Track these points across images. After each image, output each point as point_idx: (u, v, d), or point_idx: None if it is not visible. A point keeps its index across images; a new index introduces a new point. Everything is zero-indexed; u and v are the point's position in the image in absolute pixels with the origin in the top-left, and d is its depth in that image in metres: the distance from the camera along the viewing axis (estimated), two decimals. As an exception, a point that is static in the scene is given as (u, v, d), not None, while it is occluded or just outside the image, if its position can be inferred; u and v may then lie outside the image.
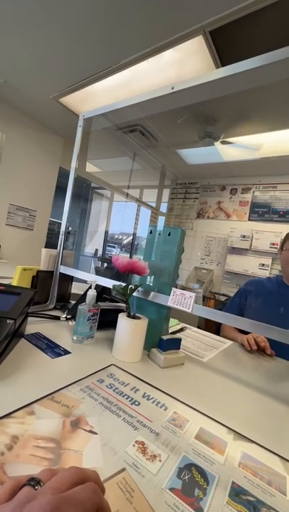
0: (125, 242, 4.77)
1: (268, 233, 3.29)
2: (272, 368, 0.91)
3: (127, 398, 0.52)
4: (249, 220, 3.53)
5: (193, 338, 1.06)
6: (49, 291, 1.05)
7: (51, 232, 3.72)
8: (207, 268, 3.77)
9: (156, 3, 1.39)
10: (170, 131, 2.71)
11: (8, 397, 0.46)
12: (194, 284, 3.63)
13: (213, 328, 1.43)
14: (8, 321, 0.58)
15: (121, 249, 4.75)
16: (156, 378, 0.63)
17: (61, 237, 1.11)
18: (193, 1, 1.35)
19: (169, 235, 0.80)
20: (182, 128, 2.56)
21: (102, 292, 0.98)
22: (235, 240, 3.49)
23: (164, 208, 4.23)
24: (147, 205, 4.12)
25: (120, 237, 4.87)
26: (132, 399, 0.52)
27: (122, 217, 4.67)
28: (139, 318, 0.74)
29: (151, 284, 0.83)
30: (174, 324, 1.18)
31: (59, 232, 1.14)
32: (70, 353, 0.68)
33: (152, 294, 0.80)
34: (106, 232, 4.73)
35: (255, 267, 3.35)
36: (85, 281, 0.99)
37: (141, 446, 0.40)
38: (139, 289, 0.81)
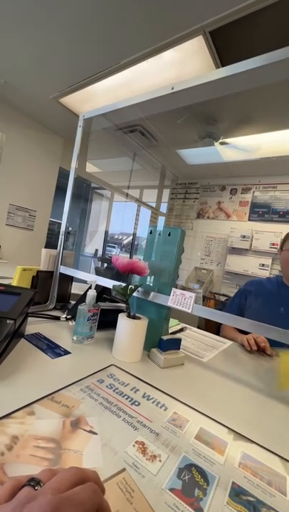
0: (125, 242, 4.77)
1: (268, 233, 3.29)
2: (272, 368, 0.90)
3: (127, 398, 0.52)
4: (249, 220, 3.53)
5: (193, 339, 1.06)
6: (49, 291, 1.05)
7: (51, 233, 3.72)
8: (207, 268, 3.77)
9: (156, 3, 1.39)
10: (170, 132, 2.71)
11: (8, 397, 0.46)
12: (194, 284, 3.63)
13: (213, 328, 1.43)
14: (8, 321, 0.58)
15: (121, 250, 4.75)
16: (156, 378, 0.63)
17: (61, 237, 1.11)
18: (193, 1, 1.35)
19: (169, 235, 0.80)
20: (182, 128, 2.56)
21: (102, 292, 0.98)
22: (235, 240, 3.49)
23: (164, 208, 4.23)
24: (147, 205, 4.12)
25: (120, 238, 4.87)
26: (132, 399, 0.52)
27: (122, 218, 4.67)
28: (139, 318, 0.74)
29: (151, 284, 0.83)
30: (174, 324, 1.18)
31: (59, 232, 1.14)
32: (70, 353, 0.68)
33: (152, 294, 0.80)
34: (106, 233, 4.73)
35: (255, 267, 3.35)
36: (85, 282, 0.99)
37: (141, 446, 0.40)
38: (139, 289, 0.81)
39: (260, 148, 2.64)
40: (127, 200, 4.30)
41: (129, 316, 0.74)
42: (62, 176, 3.46)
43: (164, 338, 0.75)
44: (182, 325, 1.21)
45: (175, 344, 0.77)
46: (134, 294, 0.79)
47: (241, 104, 2.07)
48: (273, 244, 3.22)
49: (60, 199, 1.82)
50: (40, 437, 0.38)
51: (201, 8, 1.38)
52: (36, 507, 0.20)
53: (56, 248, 1.09)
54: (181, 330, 1.14)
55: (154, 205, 4.12)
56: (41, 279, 1.02)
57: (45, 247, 1.08)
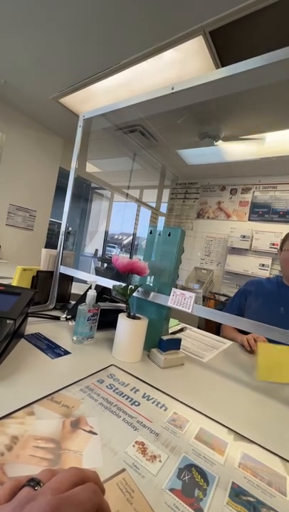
0: (125, 242, 4.77)
1: (268, 233, 3.29)
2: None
3: (126, 398, 0.52)
4: (249, 220, 3.53)
5: (193, 339, 1.06)
6: (49, 291, 1.05)
7: (51, 233, 3.72)
8: (207, 268, 3.77)
9: (156, 3, 1.39)
10: (170, 132, 2.71)
11: (8, 397, 0.46)
12: (194, 285, 3.63)
13: (214, 328, 1.43)
14: (8, 321, 0.58)
15: (121, 250, 4.75)
16: (156, 379, 0.63)
17: (61, 238, 1.11)
18: (193, 1, 1.35)
19: (169, 235, 0.80)
20: (182, 128, 2.56)
21: (102, 292, 0.98)
22: (235, 240, 3.49)
23: (164, 208, 4.23)
24: (147, 205, 4.12)
25: (120, 238, 4.87)
26: (132, 399, 0.52)
27: (122, 218, 4.67)
28: (139, 318, 0.74)
29: (151, 285, 0.83)
30: (174, 324, 1.18)
31: (59, 232, 1.14)
32: (70, 353, 0.68)
33: (152, 294, 0.80)
34: (106, 233, 4.73)
35: (255, 267, 3.35)
36: (85, 282, 0.99)
37: (141, 446, 0.40)
38: (139, 289, 0.81)
39: (265, 141, 2.61)
40: (127, 200, 4.31)
41: (129, 316, 0.74)
42: (62, 175, 3.47)
43: (164, 338, 0.75)
44: (182, 325, 1.21)
45: (175, 344, 0.77)
46: (134, 294, 0.79)
47: (241, 104, 2.07)
48: (273, 244, 3.22)
49: (60, 199, 1.83)
50: (40, 437, 0.38)
51: (201, 8, 1.38)
52: (36, 507, 0.20)
53: (56, 248, 1.09)
54: (181, 330, 1.14)
55: (154, 205, 4.12)
56: (41, 279, 1.02)
57: (45, 247, 1.08)
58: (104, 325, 0.84)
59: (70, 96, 2.43)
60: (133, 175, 3.81)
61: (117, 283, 0.81)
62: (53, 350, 0.68)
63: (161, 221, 4.21)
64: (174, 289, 0.76)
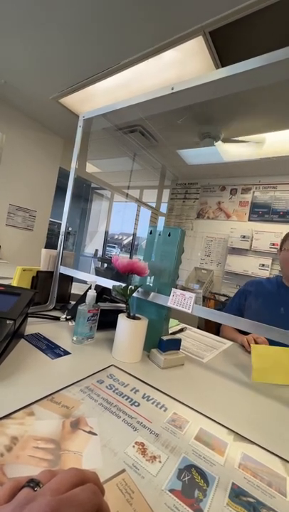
0: (125, 242, 4.77)
1: (268, 233, 3.29)
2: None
3: (126, 399, 0.52)
4: (249, 220, 3.53)
5: (193, 339, 1.06)
6: (49, 291, 1.05)
7: (51, 233, 3.72)
8: (207, 268, 3.77)
9: (156, 3, 1.39)
10: (170, 132, 2.71)
11: (8, 397, 0.46)
12: (194, 285, 3.63)
13: (213, 328, 1.43)
14: (7, 322, 0.58)
15: (121, 250, 4.75)
16: (156, 379, 0.63)
17: (61, 238, 1.11)
18: (193, 1, 1.35)
19: (169, 235, 0.80)
20: (182, 128, 2.56)
21: (102, 293, 0.98)
22: (235, 240, 3.49)
23: (164, 208, 4.23)
24: (147, 205, 4.12)
25: (120, 238, 4.87)
26: (132, 400, 0.52)
27: (122, 218, 4.67)
28: (139, 318, 0.74)
29: (151, 285, 0.83)
30: (174, 325, 1.18)
31: (59, 232, 1.14)
32: (69, 353, 0.68)
33: (152, 294, 0.80)
34: (106, 233, 4.73)
35: (256, 267, 3.35)
36: (84, 282, 0.99)
37: (141, 447, 0.40)
38: (139, 289, 0.81)
39: (265, 141, 2.61)
40: (127, 200, 4.31)
41: (129, 316, 0.74)
42: (62, 176, 3.47)
43: (164, 338, 0.75)
44: (182, 325, 1.21)
45: (175, 344, 0.77)
46: (134, 294, 0.79)
47: (241, 105, 2.07)
48: (273, 244, 3.22)
49: (60, 199, 1.83)
50: (39, 438, 0.38)
51: (201, 8, 1.38)
52: (36, 508, 0.20)
53: (56, 248, 1.09)
54: (181, 330, 1.14)
55: (154, 205, 4.12)
56: (41, 280, 1.02)
57: (45, 248, 1.08)
58: (104, 325, 0.84)
59: (70, 96, 2.43)
60: (133, 175, 3.81)
61: (117, 283, 0.81)
62: (53, 350, 0.68)
63: (161, 221, 4.21)
64: (173, 290, 0.76)
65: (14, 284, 0.95)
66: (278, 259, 1.33)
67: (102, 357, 0.70)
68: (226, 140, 2.59)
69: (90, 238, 4.82)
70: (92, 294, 0.78)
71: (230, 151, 2.89)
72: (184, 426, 0.48)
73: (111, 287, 0.84)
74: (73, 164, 1.13)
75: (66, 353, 0.68)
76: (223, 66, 1.21)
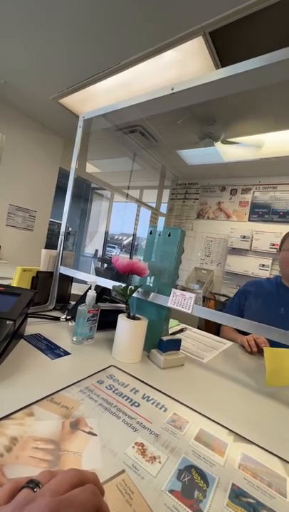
0: (125, 242, 4.77)
1: (268, 234, 3.30)
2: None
3: (126, 399, 0.52)
4: (249, 220, 3.53)
5: (193, 339, 1.06)
6: (49, 291, 1.05)
7: (51, 233, 3.72)
8: (207, 269, 3.77)
9: (156, 3, 1.39)
10: (170, 132, 2.72)
11: (8, 398, 0.46)
12: (194, 285, 3.63)
13: (213, 328, 1.43)
14: (7, 322, 0.58)
15: (121, 250, 4.75)
16: (156, 379, 0.63)
17: (61, 238, 1.11)
18: (193, 1, 1.35)
19: (169, 235, 0.80)
20: (182, 128, 2.56)
21: (102, 293, 0.98)
22: (235, 240, 3.49)
23: (164, 208, 4.23)
24: (147, 205, 4.12)
25: (120, 238, 4.87)
26: (132, 400, 0.52)
27: (122, 218, 4.67)
28: (138, 319, 0.74)
29: (151, 285, 0.83)
30: (173, 325, 1.18)
31: (59, 232, 1.14)
32: (69, 353, 0.68)
33: (152, 294, 0.80)
34: (106, 233, 4.73)
35: (256, 267, 3.35)
36: (84, 282, 0.99)
37: (140, 447, 0.40)
38: (139, 289, 0.81)
39: (264, 144, 2.62)
40: (127, 200, 4.31)
41: (129, 316, 0.74)
42: (62, 176, 3.47)
43: (164, 338, 0.75)
44: (182, 325, 1.21)
45: (175, 345, 0.77)
46: (134, 294, 0.79)
47: (241, 105, 2.07)
48: (273, 244, 3.22)
49: (60, 199, 1.82)
50: (39, 439, 0.38)
51: (201, 8, 1.38)
52: (35, 509, 0.20)
53: (56, 249, 1.09)
54: (181, 330, 1.14)
55: (154, 205, 4.12)
56: (41, 280, 1.02)
57: (45, 248, 1.08)
58: (104, 325, 0.84)
59: (70, 96, 2.43)
60: (133, 175, 3.81)
61: (117, 283, 0.81)
62: (53, 350, 0.68)
63: (161, 221, 4.21)
64: (173, 290, 0.76)
65: (14, 284, 0.95)
66: (278, 259, 1.33)
67: (102, 357, 0.70)
68: (225, 142, 2.59)
69: (90, 238, 4.82)
70: (92, 294, 0.78)
71: (230, 152, 2.89)
72: (184, 426, 0.48)
73: (111, 287, 0.84)
74: (73, 164, 1.13)
75: (66, 353, 0.68)
76: (223, 66, 1.22)
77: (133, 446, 0.40)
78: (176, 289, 0.76)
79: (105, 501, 0.24)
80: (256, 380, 0.77)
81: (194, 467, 0.39)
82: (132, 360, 0.71)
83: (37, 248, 2.87)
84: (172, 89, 0.85)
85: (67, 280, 1.11)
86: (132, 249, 4.27)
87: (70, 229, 4.62)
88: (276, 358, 0.73)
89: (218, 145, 2.68)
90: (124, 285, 0.76)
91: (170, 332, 0.87)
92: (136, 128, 2.67)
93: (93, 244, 4.80)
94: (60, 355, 0.66)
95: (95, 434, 0.41)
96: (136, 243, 4.13)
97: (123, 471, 0.35)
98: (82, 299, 0.88)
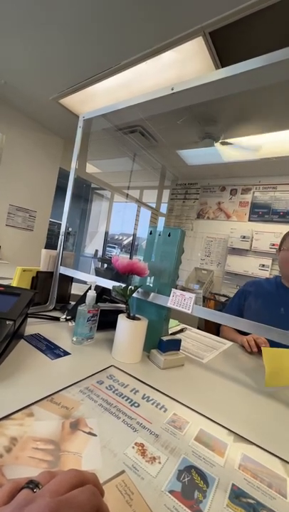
0: (125, 242, 4.77)
1: (268, 234, 3.29)
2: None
3: (126, 400, 0.52)
4: (249, 220, 3.53)
5: (193, 339, 1.05)
6: (49, 292, 1.05)
7: (51, 233, 3.72)
8: (207, 269, 3.77)
9: (156, 3, 1.39)
10: (170, 132, 2.72)
11: (7, 398, 0.46)
12: (194, 285, 3.63)
13: (213, 329, 1.43)
14: (7, 322, 0.58)
15: (121, 250, 4.75)
16: (156, 379, 0.63)
17: (61, 238, 1.11)
18: (193, 1, 1.35)
19: (169, 235, 0.80)
20: (182, 129, 2.56)
21: (102, 293, 0.98)
22: (236, 240, 3.48)
23: (164, 208, 4.23)
24: (147, 205, 4.12)
25: (120, 238, 4.87)
26: (132, 400, 0.52)
27: (122, 218, 4.67)
28: (138, 319, 0.74)
29: (151, 285, 0.83)
30: (173, 325, 1.18)
31: (59, 232, 1.14)
32: (69, 354, 0.68)
33: (152, 294, 0.80)
34: (106, 233, 4.73)
35: (256, 267, 3.35)
36: (84, 282, 0.99)
37: (140, 448, 0.40)
38: (139, 289, 0.81)
39: (261, 148, 2.64)
40: (127, 200, 4.31)
41: (128, 316, 0.74)
42: (62, 176, 3.47)
43: (164, 338, 0.75)
44: (182, 325, 1.21)
45: (175, 345, 0.77)
46: (134, 294, 0.79)
47: (241, 105, 2.07)
48: (273, 244, 3.22)
49: (60, 199, 1.82)
50: (39, 439, 0.38)
51: (201, 9, 1.38)
52: (35, 509, 0.20)
53: (56, 249, 1.09)
54: (181, 331, 1.14)
55: (154, 205, 4.12)
56: (41, 280, 1.02)
57: (45, 248, 1.08)
58: (104, 325, 0.84)
59: (70, 97, 2.43)
60: (133, 175, 3.81)
61: (117, 284, 0.81)
62: (53, 351, 0.68)
63: (161, 221, 4.21)
64: (173, 290, 0.76)
65: (14, 284, 0.95)
66: (277, 259, 1.33)
67: (102, 357, 0.70)
68: (226, 139, 2.59)
69: (90, 238, 4.82)
70: (92, 294, 0.78)
71: (230, 152, 2.89)
72: (184, 427, 0.47)
73: (111, 288, 0.84)
74: (73, 164, 1.13)
75: (66, 353, 0.68)
76: (223, 66, 1.22)
77: (133, 447, 0.40)
78: (176, 289, 0.76)
79: (105, 502, 0.24)
80: (256, 380, 0.77)
81: (194, 467, 0.38)
82: (131, 361, 0.71)
83: (37, 248, 2.86)
84: (172, 90, 0.85)
85: (67, 280, 1.11)
86: (132, 249, 4.27)
87: (70, 229, 4.62)
88: (275, 358, 0.73)
89: (218, 145, 2.68)
90: (124, 285, 0.76)
91: (170, 332, 0.87)
92: (136, 128, 2.67)
93: (93, 245, 4.80)
94: (60, 356, 0.66)
95: (94, 435, 0.41)
96: (136, 243, 4.13)
97: (123, 472, 0.35)
98: (82, 299, 0.88)
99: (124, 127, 2.69)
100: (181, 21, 1.47)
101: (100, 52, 1.81)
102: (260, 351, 1.02)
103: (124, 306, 0.82)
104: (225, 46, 1.59)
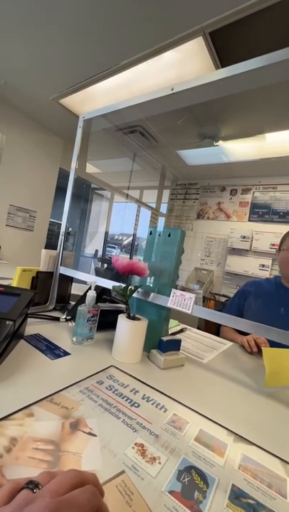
0: (125, 242, 4.77)
1: (268, 234, 3.30)
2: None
3: (126, 400, 0.52)
4: (249, 220, 3.53)
5: (193, 339, 1.05)
6: (49, 292, 1.05)
7: (51, 233, 3.72)
8: (207, 269, 3.77)
9: (156, 3, 1.39)
10: (170, 132, 2.72)
11: (7, 398, 0.46)
12: (194, 285, 3.63)
13: (213, 329, 1.43)
14: (7, 322, 0.58)
15: (121, 250, 4.75)
16: (155, 380, 0.63)
17: (61, 238, 1.11)
18: (193, 1, 1.35)
19: (169, 235, 0.80)
20: (182, 129, 2.56)
21: (102, 293, 0.98)
22: (236, 240, 3.49)
23: (164, 208, 4.23)
24: (147, 205, 4.12)
25: (120, 238, 4.87)
26: (132, 400, 0.52)
27: (122, 218, 4.67)
28: (138, 319, 0.74)
29: (151, 285, 0.83)
30: (173, 325, 1.18)
31: (59, 232, 1.13)
32: (69, 354, 0.68)
33: (152, 295, 0.80)
34: (106, 233, 4.73)
35: (256, 267, 3.35)
36: (84, 282, 0.99)
37: (140, 448, 0.40)
38: (139, 290, 0.81)
39: (261, 148, 2.63)
40: (127, 200, 4.31)
41: (128, 316, 0.74)
42: (62, 176, 3.47)
43: (164, 339, 0.75)
44: (182, 326, 1.21)
45: (175, 345, 0.77)
46: (134, 294, 0.79)
47: (241, 105, 2.07)
48: (273, 244, 3.22)
49: (60, 200, 1.82)
50: (39, 439, 0.38)
51: (201, 9, 1.38)
52: (34, 510, 0.20)
53: (56, 249, 1.09)
54: (181, 331, 1.14)
55: (154, 205, 4.12)
56: (41, 280, 1.02)
57: (45, 248, 1.08)
58: (104, 326, 0.84)
59: (70, 97, 2.43)
60: (133, 175, 3.81)
61: (117, 284, 0.81)
62: (53, 351, 0.68)
63: (161, 222, 4.21)
64: (173, 290, 0.76)
65: (14, 284, 0.95)
66: (277, 260, 1.33)
67: (102, 358, 0.70)
68: (226, 139, 2.58)
69: (90, 239, 4.82)
70: (92, 294, 0.78)
71: (231, 152, 2.89)
72: (184, 427, 0.47)
73: (111, 288, 0.84)
74: (73, 165, 1.13)
75: (66, 353, 0.68)
76: (223, 67, 1.22)
77: (133, 447, 0.40)
78: (176, 289, 0.76)
79: (105, 502, 0.24)
80: (256, 380, 0.77)
81: (194, 468, 0.38)
82: (131, 361, 0.71)
83: (37, 248, 2.86)
84: (172, 90, 0.85)
85: (67, 280, 1.11)
86: (132, 249, 4.27)
87: (70, 229, 4.62)
88: (275, 358, 0.73)
89: (218, 145, 2.68)
90: (124, 285, 0.76)
91: (170, 332, 0.87)
92: (136, 128, 2.67)
93: (93, 245, 4.80)
94: (60, 356, 0.66)
95: (94, 435, 0.41)
96: (136, 243, 4.13)
97: (123, 472, 0.35)
98: (82, 299, 0.88)
99: (124, 127, 2.69)
100: (181, 21, 1.47)
101: (100, 52, 1.81)
102: (260, 351, 1.02)
103: (124, 306, 0.82)
104: (225, 46, 1.59)
